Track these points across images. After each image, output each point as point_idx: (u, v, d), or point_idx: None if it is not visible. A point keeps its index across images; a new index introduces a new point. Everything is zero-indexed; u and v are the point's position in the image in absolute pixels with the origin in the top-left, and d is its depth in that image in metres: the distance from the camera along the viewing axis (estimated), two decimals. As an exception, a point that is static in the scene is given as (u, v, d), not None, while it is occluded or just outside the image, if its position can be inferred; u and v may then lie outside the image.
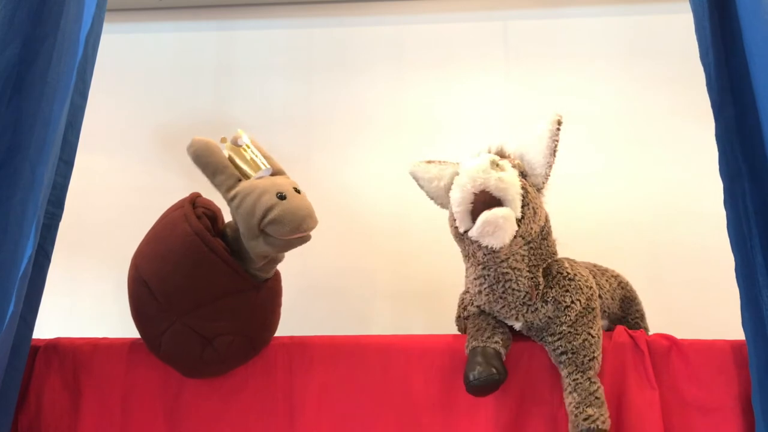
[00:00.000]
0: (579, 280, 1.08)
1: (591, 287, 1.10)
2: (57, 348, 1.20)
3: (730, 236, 1.03)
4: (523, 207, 1.01)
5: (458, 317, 1.20)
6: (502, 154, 1.09)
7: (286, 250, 1.13)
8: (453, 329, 1.19)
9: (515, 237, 1.02)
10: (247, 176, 1.12)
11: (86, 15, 1.09)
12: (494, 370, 1.03)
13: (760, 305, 0.99)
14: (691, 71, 1.15)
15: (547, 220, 1.09)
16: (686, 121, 1.60)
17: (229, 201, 1.10)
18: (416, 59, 1.72)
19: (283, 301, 1.22)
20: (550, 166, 1.05)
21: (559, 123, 1.03)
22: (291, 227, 1.06)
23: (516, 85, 1.69)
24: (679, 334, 1.19)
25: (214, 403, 1.16)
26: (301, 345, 1.18)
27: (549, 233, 1.09)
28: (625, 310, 1.21)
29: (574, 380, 1.04)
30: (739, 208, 1.02)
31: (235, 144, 1.16)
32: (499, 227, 0.98)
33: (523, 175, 1.05)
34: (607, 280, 1.19)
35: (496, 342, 1.07)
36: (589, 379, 1.04)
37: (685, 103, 1.58)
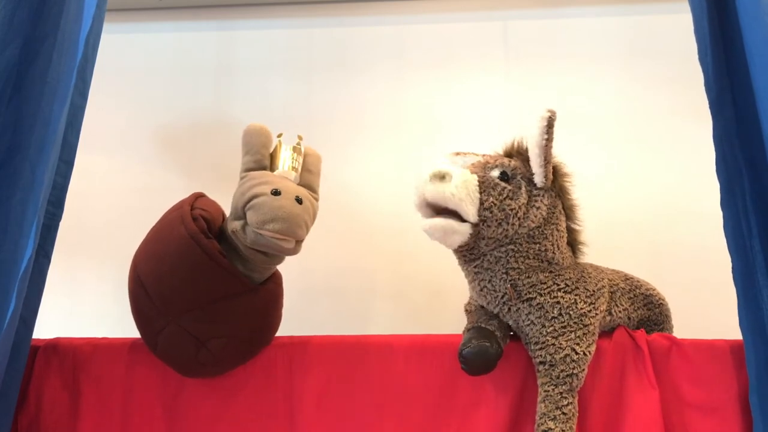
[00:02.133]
0: (578, 294, 1.06)
1: (592, 304, 1.07)
2: (57, 348, 1.20)
3: (727, 236, 1.03)
4: (484, 211, 1.02)
5: (465, 309, 1.21)
6: (509, 153, 1.12)
7: (255, 246, 1.08)
8: (453, 329, 1.19)
9: (483, 239, 1.04)
10: (273, 170, 1.15)
11: (86, 15, 1.09)
12: (486, 342, 1.03)
13: (759, 305, 0.99)
14: (691, 71, 1.15)
15: (548, 224, 1.07)
16: (686, 121, 1.59)
17: (240, 179, 1.14)
18: (416, 59, 1.72)
19: (283, 301, 1.21)
20: (542, 165, 1.04)
21: (550, 120, 1.01)
22: (262, 219, 1.05)
23: (516, 85, 1.69)
24: (679, 334, 1.19)
25: (213, 403, 1.16)
26: (300, 345, 1.18)
27: (546, 237, 1.07)
28: (646, 331, 1.16)
29: (545, 391, 1.04)
30: (738, 208, 1.02)
31: (290, 145, 1.20)
32: (440, 237, 1.04)
33: (505, 177, 1.05)
34: (630, 299, 1.16)
35: (491, 324, 1.08)
36: (561, 393, 1.03)
37: (685, 103, 1.58)
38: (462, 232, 1.03)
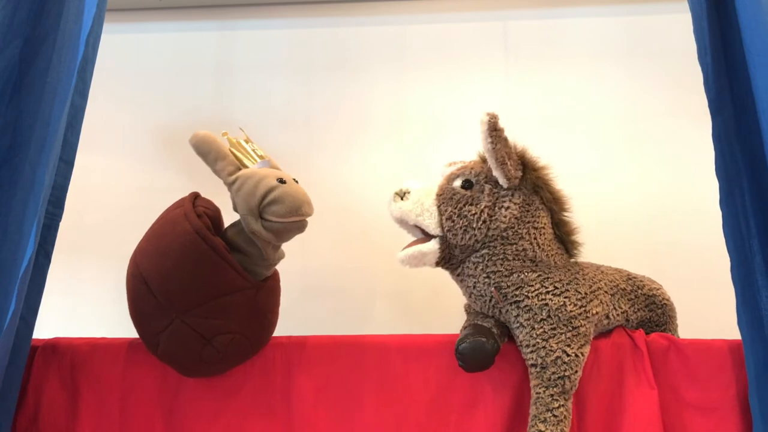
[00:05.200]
0: (568, 297, 1.06)
1: (583, 306, 1.06)
2: (56, 348, 1.20)
3: (726, 236, 1.03)
4: (446, 221, 1.06)
5: (465, 309, 1.21)
6: (483, 158, 1.12)
7: (283, 237, 1.13)
8: (452, 329, 1.19)
9: (456, 247, 1.07)
10: (245, 167, 1.16)
11: (86, 15, 1.09)
12: (483, 338, 1.04)
13: (758, 305, 0.99)
14: (690, 71, 1.15)
15: (522, 223, 1.07)
16: (686, 120, 1.60)
17: (230, 185, 1.13)
18: (416, 59, 1.73)
19: (282, 301, 1.22)
20: (497, 167, 1.05)
21: (490, 123, 1.02)
22: (290, 208, 1.09)
23: (516, 85, 1.69)
24: (679, 333, 1.19)
25: (212, 403, 1.16)
26: (299, 344, 1.18)
27: (522, 237, 1.06)
28: (647, 332, 1.16)
29: (536, 393, 1.04)
30: (738, 208, 1.02)
31: (240, 138, 1.20)
32: (415, 264, 1.09)
33: (468, 184, 1.08)
34: (630, 300, 1.14)
35: (488, 322, 1.09)
36: (552, 395, 1.02)
37: (685, 102, 1.58)
38: (431, 251, 1.07)
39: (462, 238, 1.06)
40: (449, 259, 1.09)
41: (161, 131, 1.73)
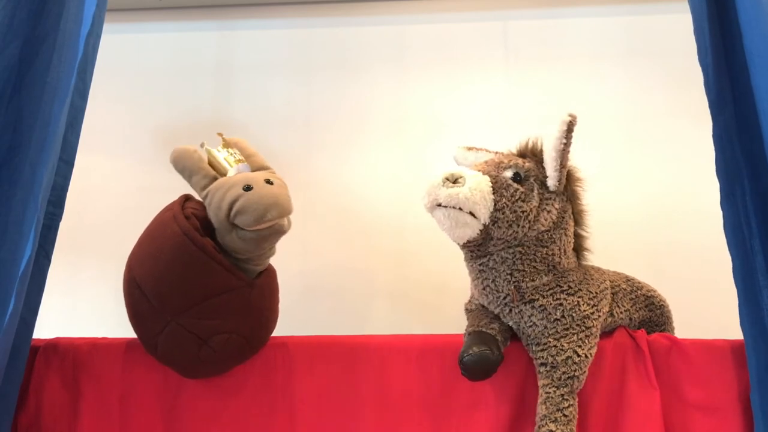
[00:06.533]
0: (581, 297, 1.06)
1: (595, 306, 1.07)
2: (56, 348, 1.20)
3: (727, 236, 1.03)
4: (496, 212, 1.01)
5: (466, 308, 1.21)
6: (523, 153, 1.11)
7: (261, 245, 1.11)
8: (452, 329, 1.19)
9: (492, 239, 1.03)
10: (225, 175, 1.14)
11: (86, 15, 1.09)
12: (487, 349, 1.03)
13: (760, 305, 0.99)
14: (690, 71, 1.15)
15: (557, 228, 1.07)
16: (686, 120, 1.60)
17: (204, 199, 1.13)
18: (416, 59, 1.73)
19: (282, 301, 1.22)
20: (557, 169, 1.04)
21: (570, 124, 1.01)
22: (255, 216, 1.06)
23: (516, 85, 1.69)
24: (680, 333, 1.19)
25: (212, 403, 1.16)
26: (300, 345, 1.18)
27: (554, 242, 1.07)
28: (647, 332, 1.16)
29: (546, 393, 1.03)
30: (738, 208, 1.02)
31: (218, 145, 1.19)
32: (450, 226, 1.02)
33: (518, 178, 1.05)
34: (631, 300, 1.16)
35: (492, 328, 1.08)
36: (562, 395, 1.02)
37: (685, 102, 1.58)
38: (472, 226, 1.02)
39: (505, 232, 1.03)
40: (480, 245, 1.06)
41: (161, 131, 1.73)
